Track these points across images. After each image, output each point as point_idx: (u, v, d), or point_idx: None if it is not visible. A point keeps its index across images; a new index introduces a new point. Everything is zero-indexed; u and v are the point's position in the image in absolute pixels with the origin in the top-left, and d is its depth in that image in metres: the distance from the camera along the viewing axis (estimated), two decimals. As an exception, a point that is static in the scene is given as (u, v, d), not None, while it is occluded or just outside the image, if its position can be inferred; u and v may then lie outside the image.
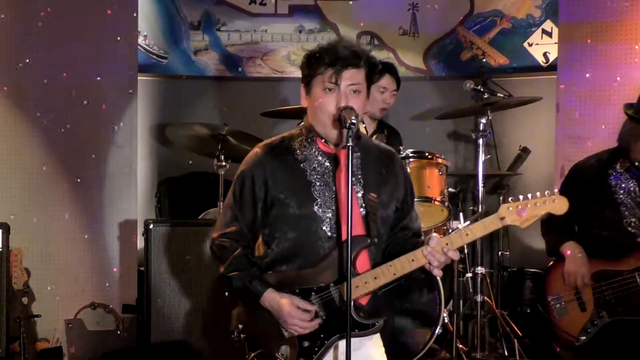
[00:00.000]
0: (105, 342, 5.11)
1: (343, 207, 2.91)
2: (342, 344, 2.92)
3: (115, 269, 5.52)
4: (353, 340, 2.85)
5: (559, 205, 2.88)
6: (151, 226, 4.80)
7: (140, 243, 5.36)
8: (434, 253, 2.86)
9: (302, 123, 3.14)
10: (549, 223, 4.50)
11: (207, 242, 4.71)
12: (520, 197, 2.88)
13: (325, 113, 2.92)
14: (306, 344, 2.92)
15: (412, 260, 2.87)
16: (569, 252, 4.35)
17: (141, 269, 5.26)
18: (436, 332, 4.81)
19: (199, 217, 5.53)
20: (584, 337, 4.23)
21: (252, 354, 3.02)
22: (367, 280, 2.88)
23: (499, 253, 5.84)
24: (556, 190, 2.92)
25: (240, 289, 2.98)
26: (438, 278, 4.81)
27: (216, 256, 3.06)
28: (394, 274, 2.88)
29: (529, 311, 5.79)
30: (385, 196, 3.02)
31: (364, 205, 2.96)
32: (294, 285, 2.95)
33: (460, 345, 4.97)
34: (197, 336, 4.78)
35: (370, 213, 2.95)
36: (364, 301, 2.96)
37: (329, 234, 2.94)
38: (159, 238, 4.81)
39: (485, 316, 5.20)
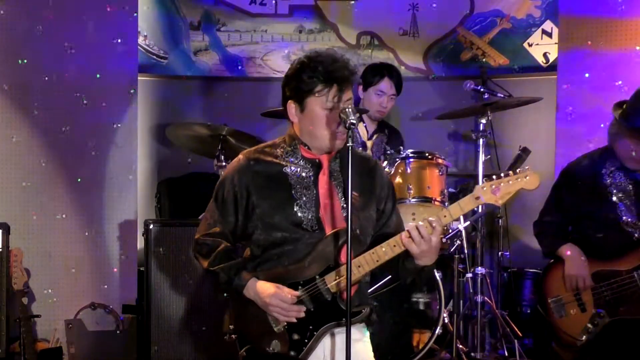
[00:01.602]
0: (105, 343, 5.11)
1: (324, 206, 3.02)
2: (330, 335, 3.02)
3: (115, 269, 5.52)
4: (339, 330, 2.97)
5: (531, 181, 2.96)
6: (151, 226, 4.80)
7: (140, 243, 5.36)
8: (418, 225, 2.91)
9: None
10: (541, 225, 4.51)
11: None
12: (494, 176, 2.98)
13: (328, 130, 3.01)
14: (296, 336, 2.99)
15: (394, 245, 2.95)
16: (568, 252, 4.35)
17: (141, 269, 5.26)
18: (436, 332, 4.82)
19: (199, 217, 5.48)
20: (585, 338, 4.23)
21: (243, 350, 3.08)
22: (352, 270, 2.93)
23: (499, 253, 5.83)
24: (527, 167, 3.00)
25: (226, 281, 3.07)
26: (438, 278, 4.85)
27: (199, 253, 3.16)
28: (377, 261, 2.96)
29: (529, 312, 5.79)
30: (365, 197, 3.10)
31: (344, 204, 3.02)
32: (281, 281, 3.02)
33: (460, 346, 4.97)
34: (197, 336, 4.77)
35: (353, 209, 2.99)
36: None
37: (311, 231, 3.02)
38: (159, 238, 4.81)
39: (485, 316, 5.21)
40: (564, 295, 4.33)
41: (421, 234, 2.91)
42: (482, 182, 3.00)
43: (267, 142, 3.21)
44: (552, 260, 4.48)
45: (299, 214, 3.02)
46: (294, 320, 2.98)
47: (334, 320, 2.97)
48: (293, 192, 3.04)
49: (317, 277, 2.99)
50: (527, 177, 2.95)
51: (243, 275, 3.05)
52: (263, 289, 3.00)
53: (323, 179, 3.05)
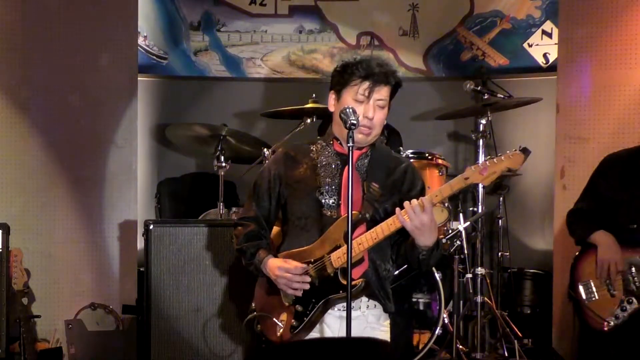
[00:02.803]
0: (105, 343, 5.11)
1: (344, 194, 3.26)
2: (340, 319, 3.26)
3: (115, 269, 5.52)
4: (354, 315, 3.14)
5: (515, 160, 3.20)
6: (151, 227, 4.79)
7: (140, 243, 5.36)
8: (413, 205, 3.11)
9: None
10: (575, 212, 4.52)
11: (206, 243, 4.72)
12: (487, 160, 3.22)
13: None
14: (299, 308, 3.28)
15: (390, 224, 3.18)
16: (602, 238, 4.34)
17: (141, 269, 5.25)
18: (436, 332, 4.83)
19: (199, 217, 5.52)
20: (613, 323, 4.25)
21: (254, 313, 3.39)
22: (353, 247, 3.14)
23: (499, 254, 5.84)
24: (515, 150, 3.21)
25: (248, 259, 3.40)
26: (438, 278, 4.86)
27: (234, 234, 3.50)
28: (375, 239, 3.18)
29: (529, 312, 5.79)
30: (386, 191, 3.34)
31: (363, 192, 3.30)
32: (298, 260, 3.30)
33: (460, 346, 4.97)
34: (196, 336, 4.77)
35: (369, 197, 3.30)
36: (356, 274, 3.22)
37: (329, 216, 3.30)
38: (159, 238, 4.80)
39: (485, 317, 5.21)
40: (594, 280, 4.35)
41: (413, 208, 3.10)
42: (475, 164, 3.23)
43: (308, 140, 3.52)
44: (581, 248, 4.49)
45: (321, 200, 3.31)
46: (299, 293, 3.24)
47: (333, 293, 3.22)
48: (318, 180, 3.33)
49: (326, 255, 3.24)
50: (512, 157, 3.18)
51: (260, 253, 3.36)
52: (273, 264, 3.31)
53: (348, 170, 3.25)
